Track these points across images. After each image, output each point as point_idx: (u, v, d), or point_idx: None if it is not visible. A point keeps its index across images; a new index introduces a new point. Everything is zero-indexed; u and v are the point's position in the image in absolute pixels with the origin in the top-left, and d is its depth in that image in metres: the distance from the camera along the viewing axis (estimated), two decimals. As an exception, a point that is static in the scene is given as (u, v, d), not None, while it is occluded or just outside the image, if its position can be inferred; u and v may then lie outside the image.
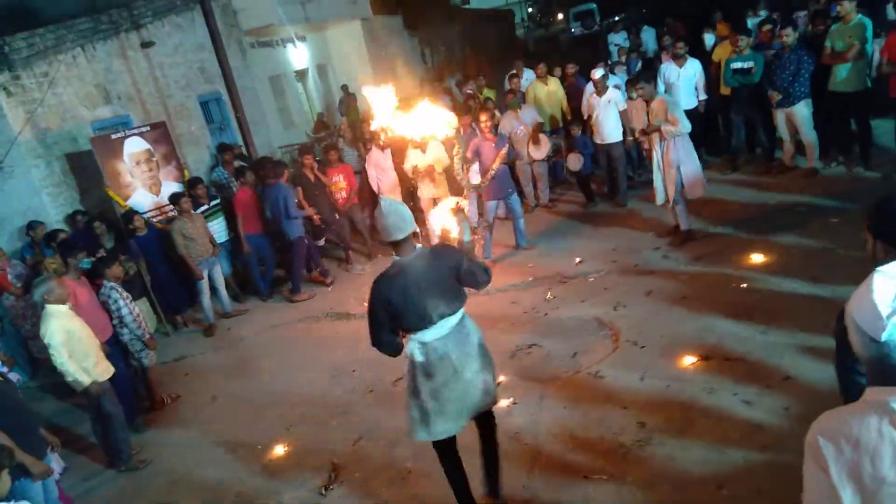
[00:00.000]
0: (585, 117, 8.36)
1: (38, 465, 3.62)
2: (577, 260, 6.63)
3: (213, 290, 7.44)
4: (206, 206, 7.57)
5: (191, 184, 7.88)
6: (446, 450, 3.29)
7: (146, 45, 9.94)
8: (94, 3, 9.54)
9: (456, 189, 6.27)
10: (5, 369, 5.31)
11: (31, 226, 7.36)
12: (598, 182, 8.69)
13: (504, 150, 5.14)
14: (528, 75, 10.05)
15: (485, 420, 3.34)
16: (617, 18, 23.69)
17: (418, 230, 3.14)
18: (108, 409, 4.81)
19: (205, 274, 7.16)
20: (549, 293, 6.07)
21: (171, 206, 7.51)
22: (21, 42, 8.15)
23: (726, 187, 7.46)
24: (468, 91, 10.64)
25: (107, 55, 9.34)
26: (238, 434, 5.06)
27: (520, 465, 3.78)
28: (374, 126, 3.86)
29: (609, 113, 7.78)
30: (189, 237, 6.97)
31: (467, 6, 34.40)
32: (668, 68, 8.04)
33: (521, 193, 8.05)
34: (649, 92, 6.17)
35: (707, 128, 8.18)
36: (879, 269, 1.34)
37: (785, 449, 3.33)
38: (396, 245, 3.05)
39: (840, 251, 5.14)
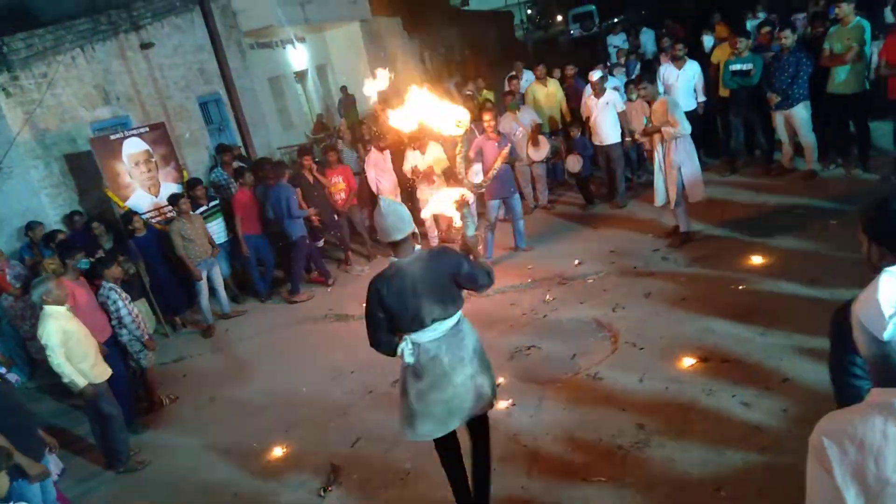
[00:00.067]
0: (584, 119, 8.37)
1: (35, 467, 3.61)
2: (576, 261, 6.63)
3: (212, 291, 7.44)
4: (204, 207, 7.57)
5: (190, 185, 7.88)
6: (447, 450, 3.28)
7: (145, 46, 9.95)
8: (94, 4, 9.54)
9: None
10: (4, 370, 5.31)
11: (30, 226, 7.36)
12: (598, 184, 8.70)
13: (506, 150, 5.15)
14: (527, 77, 10.06)
15: (478, 425, 3.29)
16: (616, 20, 23.69)
17: (417, 231, 3.13)
18: (107, 410, 4.80)
19: (204, 275, 7.16)
20: (548, 295, 6.07)
21: (170, 207, 7.51)
22: (20, 43, 8.16)
23: (725, 189, 7.47)
24: (467, 92, 10.65)
25: (106, 56, 9.34)
26: (237, 435, 5.06)
27: (518, 466, 3.78)
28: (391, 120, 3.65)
29: (607, 114, 7.79)
30: (188, 238, 6.96)
31: (466, 8, 34.47)
32: (667, 70, 8.05)
33: (520, 195, 8.05)
34: (652, 92, 6.17)
35: (706, 130, 8.18)
36: (888, 269, 1.34)
37: (784, 450, 3.33)
38: (395, 246, 3.04)
39: (839, 253, 5.14)
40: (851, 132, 7.00)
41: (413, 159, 7.63)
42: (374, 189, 8.01)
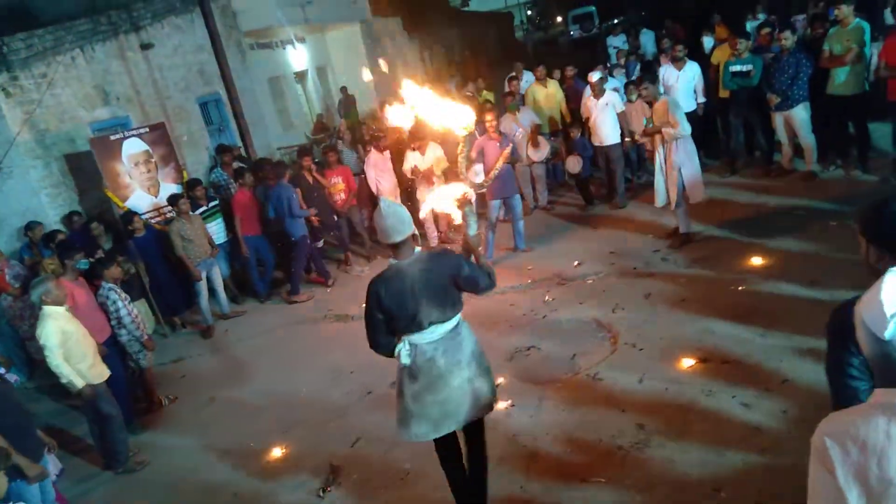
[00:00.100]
0: (584, 120, 8.37)
1: (33, 468, 3.60)
2: (576, 262, 6.63)
3: (212, 291, 7.43)
4: (204, 208, 7.56)
5: (189, 185, 7.87)
6: (446, 450, 3.27)
7: (145, 46, 9.95)
8: (94, 5, 9.54)
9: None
10: (3, 370, 5.29)
11: (30, 226, 7.35)
12: (597, 184, 8.70)
13: (508, 150, 5.16)
14: (527, 78, 10.07)
15: (473, 430, 3.25)
16: (616, 21, 23.72)
17: (417, 233, 3.12)
18: (105, 410, 4.80)
19: (203, 275, 7.15)
20: (548, 295, 6.07)
21: (170, 208, 7.50)
22: (20, 43, 8.16)
23: (725, 190, 7.47)
24: (467, 93, 10.65)
25: (106, 56, 9.34)
26: (236, 436, 5.05)
27: (517, 466, 3.78)
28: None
29: (606, 115, 7.80)
30: (187, 238, 6.96)
31: (467, 9, 34.49)
32: (667, 71, 8.05)
33: (520, 195, 8.05)
34: (653, 93, 6.17)
35: (706, 131, 8.18)
36: (893, 269, 1.35)
37: (783, 452, 3.33)
38: (395, 247, 3.03)
39: (838, 254, 5.14)
40: (851, 133, 7.01)
41: (413, 160, 7.64)
42: (373, 189, 8.01)
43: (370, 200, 8.46)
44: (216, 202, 7.84)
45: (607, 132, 7.81)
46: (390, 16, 19.66)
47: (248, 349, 6.71)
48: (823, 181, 7.05)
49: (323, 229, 8.13)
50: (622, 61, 10.88)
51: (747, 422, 3.65)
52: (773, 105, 7.02)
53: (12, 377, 5.60)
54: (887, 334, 1.29)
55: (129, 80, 9.68)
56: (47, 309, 4.56)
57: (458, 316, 3.12)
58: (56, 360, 4.48)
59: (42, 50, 8.37)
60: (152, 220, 7.79)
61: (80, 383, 4.58)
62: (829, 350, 1.91)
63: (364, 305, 3.10)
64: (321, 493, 4.07)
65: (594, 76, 7.86)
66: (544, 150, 8.10)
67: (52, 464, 4.58)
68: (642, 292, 5.58)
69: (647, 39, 14.33)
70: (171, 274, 7.26)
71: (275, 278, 8.22)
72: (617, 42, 14.90)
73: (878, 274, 1.81)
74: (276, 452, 4.68)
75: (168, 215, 7.75)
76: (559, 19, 41.49)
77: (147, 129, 8.28)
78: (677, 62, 7.96)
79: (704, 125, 8.12)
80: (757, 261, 5.62)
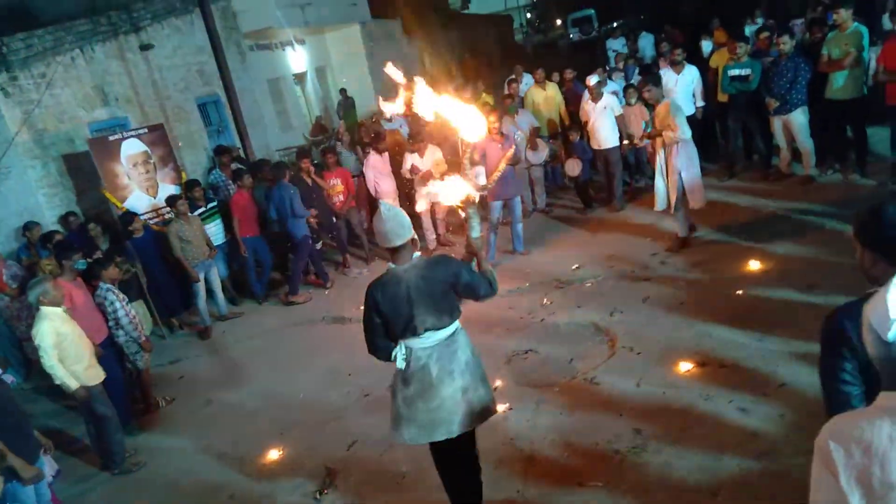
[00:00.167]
0: (583, 123, 8.38)
1: (29, 470, 3.58)
2: (574, 265, 6.63)
3: (209, 292, 7.42)
4: (203, 209, 7.55)
5: (188, 186, 7.87)
6: (442, 455, 3.27)
7: (145, 47, 9.95)
8: (94, 5, 9.55)
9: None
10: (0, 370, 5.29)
11: (28, 227, 7.35)
12: (596, 187, 8.70)
13: (511, 151, 5.17)
14: (526, 80, 10.08)
15: (465, 443, 3.19)
16: (615, 25, 23.78)
17: (417, 237, 3.11)
18: (100, 411, 4.78)
19: (201, 276, 7.14)
20: (546, 298, 6.06)
21: (168, 209, 7.49)
22: (19, 43, 8.16)
23: (723, 194, 7.47)
24: (467, 96, 10.64)
25: (105, 57, 9.34)
26: (232, 437, 5.04)
27: (514, 470, 3.77)
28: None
29: (605, 119, 7.81)
30: (185, 239, 6.95)
31: (466, 11, 34.51)
32: (666, 75, 8.05)
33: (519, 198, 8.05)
34: (657, 95, 6.17)
35: (704, 134, 8.19)
36: None
37: (780, 456, 3.33)
38: (394, 252, 3.02)
39: (836, 259, 5.13)
40: (849, 138, 7.02)
41: (411, 161, 7.64)
42: (372, 192, 8.01)
43: (369, 202, 8.47)
44: (215, 203, 7.83)
45: (606, 135, 7.82)
46: (390, 17, 19.67)
47: (245, 350, 6.71)
48: (821, 185, 7.06)
49: (321, 231, 8.13)
50: (621, 65, 10.90)
51: (744, 426, 3.65)
52: (771, 109, 7.03)
53: (9, 378, 5.60)
54: (890, 335, 1.30)
55: (128, 80, 9.69)
56: (44, 310, 4.54)
57: (456, 323, 3.10)
58: (50, 360, 4.47)
59: (42, 50, 8.37)
60: (150, 221, 7.78)
61: (73, 385, 4.56)
62: (822, 355, 1.91)
63: (362, 308, 3.10)
64: (317, 496, 4.06)
65: (592, 80, 7.87)
66: (543, 153, 8.10)
67: (49, 465, 4.56)
68: (640, 296, 5.58)
69: (646, 43, 14.35)
70: (169, 275, 7.25)
71: (273, 280, 8.22)
72: (616, 45, 14.92)
73: (872, 279, 1.82)
74: (273, 454, 4.67)
75: (166, 216, 7.74)
76: (558, 22, 41.54)
77: (146, 130, 8.28)
78: (676, 66, 7.98)
79: (703, 129, 8.12)
80: (755, 265, 5.62)
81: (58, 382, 4.58)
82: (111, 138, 7.92)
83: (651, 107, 6.60)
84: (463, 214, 3.26)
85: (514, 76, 10.12)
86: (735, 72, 7.36)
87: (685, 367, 4.39)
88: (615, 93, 8.25)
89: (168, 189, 8.16)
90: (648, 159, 7.89)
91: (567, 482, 3.58)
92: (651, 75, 7.05)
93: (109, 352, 5.36)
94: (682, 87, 7.91)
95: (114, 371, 5.20)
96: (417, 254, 3.07)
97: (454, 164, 4.90)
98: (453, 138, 3.56)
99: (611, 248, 6.86)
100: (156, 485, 4.74)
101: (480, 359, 3.22)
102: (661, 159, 6.16)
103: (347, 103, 14.87)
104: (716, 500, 3.20)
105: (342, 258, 8.38)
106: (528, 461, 3.84)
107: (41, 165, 8.18)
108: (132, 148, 7.97)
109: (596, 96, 7.83)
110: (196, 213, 7.38)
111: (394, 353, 3.08)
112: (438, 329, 3.01)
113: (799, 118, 6.93)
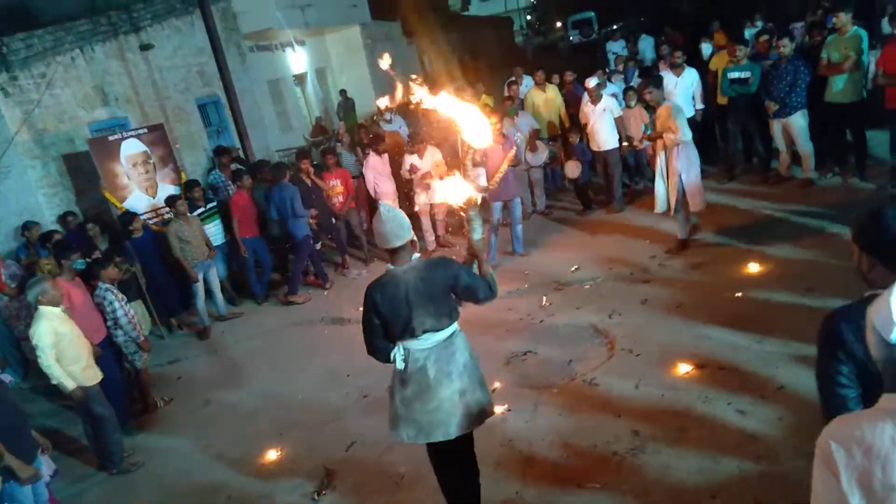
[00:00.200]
0: (583, 125, 8.39)
1: (26, 470, 3.57)
2: (574, 267, 6.63)
3: (209, 292, 7.42)
4: (202, 209, 7.55)
5: (187, 186, 7.86)
6: (439, 456, 3.26)
7: (145, 47, 9.95)
8: (94, 5, 9.55)
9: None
10: (-3, 370, 5.28)
11: (27, 226, 7.34)
12: (595, 189, 8.71)
13: (512, 152, 5.18)
14: (526, 82, 10.09)
15: (462, 446, 3.19)
16: (615, 27, 23.79)
17: (416, 238, 3.11)
18: (98, 411, 4.77)
19: (200, 277, 7.14)
20: (545, 300, 6.06)
21: (168, 209, 7.49)
22: (19, 43, 8.16)
23: (723, 197, 7.48)
24: (467, 97, 10.64)
25: (105, 57, 9.34)
26: (231, 438, 5.04)
27: (513, 472, 3.77)
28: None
29: (604, 121, 7.81)
30: (185, 240, 6.95)
31: (466, 13, 34.56)
32: (666, 77, 8.05)
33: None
34: (657, 97, 6.17)
35: (704, 137, 8.20)
36: None
37: (778, 459, 3.33)
38: (393, 253, 3.01)
39: (835, 262, 5.14)
40: (848, 141, 7.03)
41: (411, 162, 7.64)
42: (372, 193, 8.01)
43: (368, 203, 8.47)
44: (214, 204, 7.83)
45: (605, 137, 7.83)
46: (390, 19, 19.69)
47: (244, 351, 6.70)
48: (821, 188, 7.07)
49: (321, 232, 8.12)
50: (620, 67, 10.91)
51: (743, 428, 3.65)
52: (771, 112, 7.04)
53: (7, 377, 5.60)
54: (893, 338, 1.30)
55: (128, 80, 9.69)
56: (42, 309, 4.54)
57: (455, 325, 3.10)
58: (48, 360, 4.46)
59: (42, 50, 8.37)
60: (150, 221, 7.78)
61: (70, 385, 4.55)
62: (819, 358, 1.91)
63: (361, 309, 3.10)
64: (316, 497, 4.06)
65: (591, 82, 7.88)
66: (542, 155, 8.11)
67: (46, 465, 4.55)
68: (639, 298, 5.58)
69: (645, 45, 14.36)
70: (168, 275, 7.24)
71: (272, 280, 8.21)
72: (616, 48, 14.92)
73: (870, 282, 1.83)
74: (272, 455, 4.66)
75: (166, 216, 7.74)
76: (559, 24, 41.59)
77: (146, 130, 8.28)
78: (676, 68, 7.99)
79: (703, 132, 8.13)
80: (754, 267, 5.62)
81: (54, 382, 4.57)
82: (111, 138, 7.92)
83: (651, 109, 6.61)
84: (464, 216, 3.25)
85: (513, 78, 10.12)
86: (735, 74, 7.37)
87: (684, 368, 4.39)
88: (614, 95, 8.26)
89: (167, 189, 8.15)
90: (648, 161, 7.90)
91: (566, 484, 3.58)
92: (652, 77, 7.05)
93: (108, 352, 5.35)
94: (682, 89, 7.92)
95: (112, 371, 5.20)
96: (417, 255, 3.07)
97: (454, 164, 4.90)
98: (453, 139, 3.55)
99: (610, 249, 6.86)
100: (154, 485, 4.74)
101: (479, 361, 3.22)
102: (662, 161, 6.16)
103: (347, 104, 14.87)
104: (714, 502, 3.20)
105: (341, 259, 8.37)
106: (526, 462, 3.84)
107: (41, 165, 8.17)
108: (132, 148, 7.97)
109: (595, 98, 7.84)
110: (195, 213, 7.38)
111: (392, 354, 3.08)
112: (437, 331, 3.01)
113: (798, 121, 6.94)
